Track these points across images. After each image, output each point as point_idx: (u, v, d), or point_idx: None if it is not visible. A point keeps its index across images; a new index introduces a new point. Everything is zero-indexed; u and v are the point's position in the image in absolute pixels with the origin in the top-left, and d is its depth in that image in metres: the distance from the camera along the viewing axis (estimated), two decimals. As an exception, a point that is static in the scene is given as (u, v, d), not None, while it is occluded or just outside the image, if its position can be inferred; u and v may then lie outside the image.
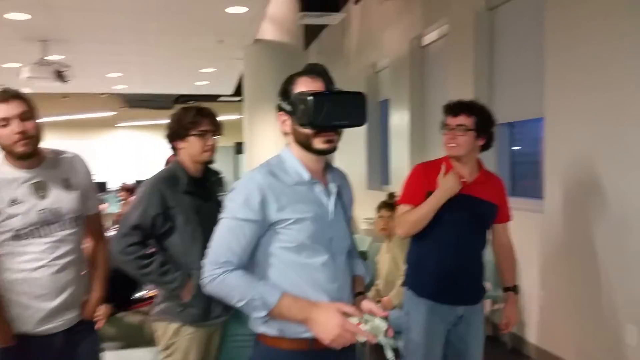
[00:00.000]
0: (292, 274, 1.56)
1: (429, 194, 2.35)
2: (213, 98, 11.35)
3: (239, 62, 7.31)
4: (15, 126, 1.90)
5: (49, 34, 6.01)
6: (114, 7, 5.24)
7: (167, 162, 4.77)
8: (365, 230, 6.71)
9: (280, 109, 1.62)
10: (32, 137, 1.95)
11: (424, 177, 2.42)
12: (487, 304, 4.55)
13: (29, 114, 1.94)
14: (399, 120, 6.37)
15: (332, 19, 5.92)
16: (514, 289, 2.53)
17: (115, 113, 14.69)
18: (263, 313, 1.50)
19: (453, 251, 2.36)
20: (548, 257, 3.88)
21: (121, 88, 10.47)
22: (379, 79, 7.45)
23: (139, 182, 7.37)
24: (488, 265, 4.35)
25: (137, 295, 3.49)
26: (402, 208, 2.47)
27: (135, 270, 2.21)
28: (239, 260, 1.54)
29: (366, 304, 1.62)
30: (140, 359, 3.04)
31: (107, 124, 15.12)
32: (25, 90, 2.18)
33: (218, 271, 1.52)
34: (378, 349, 1.64)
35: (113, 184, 12.19)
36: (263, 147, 6.53)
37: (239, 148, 13.49)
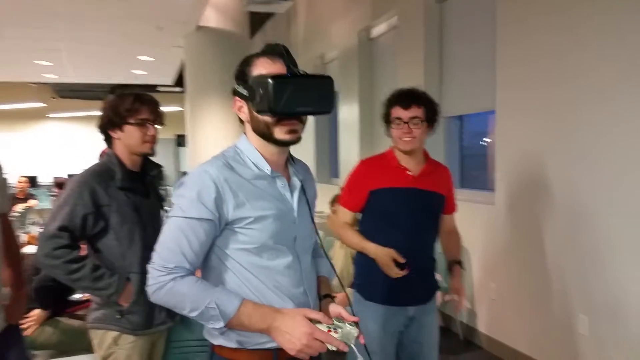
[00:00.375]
0: (252, 279, 1.39)
1: (372, 193, 2.26)
2: (151, 88, 10.87)
3: (179, 50, 7.00)
4: None
5: (-30, 16, 5.51)
6: (43, -12, 4.85)
7: (102, 155, 4.49)
8: (316, 224, 6.57)
9: (235, 93, 1.44)
10: None
11: (365, 176, 2.32)
12: (438, 296, 4.54)
13: None
14: (348, 112, 6.27)
15: (278, 6, 5.73)
16: (459, 263, 2.44)
17: (45, 105, 13.88)
18: (220, 324, 1.32)
19: (404, 251, 2.21)
20: (499, 248, 3.88)
21: (52, 77, 9.85)
22: (327, 71, 7.32)
23: (71, 177, 6.93)
24: (441, 257, 4.35)
25: (75, 297, 3.21)
26: (340, 210, 2.40)
27: (64, 275, 1.95)
28: (191, 265, 1.36)
29: (334, 308, 1.48)
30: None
31: (37, 116, 14.31)
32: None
33: (166, 278, 1.33)
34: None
35: (44, 179, 11.54)
36: (207, 139, 6.29)
37: (180, 140, 13.08)
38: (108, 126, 2.12)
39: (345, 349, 1.34)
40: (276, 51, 1.43)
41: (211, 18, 6.23)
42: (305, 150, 7.40)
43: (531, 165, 3.54)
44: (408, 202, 2.25)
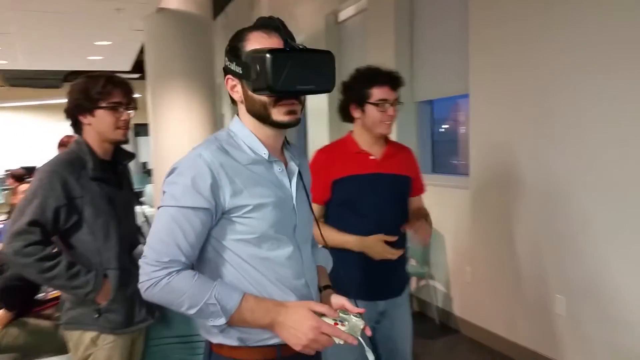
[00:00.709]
0: (252, 271, 1.30)
1: (335, 183, 2.11)
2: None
3: (138, 33, 6.70)
4: None
5: None
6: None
7: (61, 145, 4.25)
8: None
9: (227, 71, 1.33)
10: None
11: (325, 166, 2.13)
12: (413, 281, 4.55)
13: None
14: (317, 98, 6.15)
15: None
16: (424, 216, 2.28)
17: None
18: (222, 321, 1.23)
19: None
20: (474, 232, 3.88)
21: (1, 63, 9.32)
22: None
23: (27, 169, 6.57)
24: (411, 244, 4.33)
25: (39, 295, 3.02)
26: None
27: (37, 274, 1.81)
28: (187, 259, 1.25)
29: (336, 300, 1.40)
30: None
31: (-16, 105, 13.57)
32: None
33: (161, 273, 1.22)
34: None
35: (-6, 171, 11.02)
36: (171, 127, 6.06)
37: (138, 130, 12.67)
38: (77, 111, 1.96)
39: (355, 342, 1.27)
40: (271, 25, 1.32)
41: None
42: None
43: (505, 149, 3.54)
44: (374, 188, 2.12)
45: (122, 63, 9.16)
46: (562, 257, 3.15)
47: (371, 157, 2.13)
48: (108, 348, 1.93)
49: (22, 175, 5.92)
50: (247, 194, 1.27)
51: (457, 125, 4.73)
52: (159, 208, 1.28)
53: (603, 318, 2.91)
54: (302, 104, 1.34)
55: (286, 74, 1.20)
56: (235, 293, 1.24)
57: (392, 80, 2.13)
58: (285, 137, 1.43)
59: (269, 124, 1.31)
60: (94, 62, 9.00)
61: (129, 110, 2.01)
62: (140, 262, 1.25)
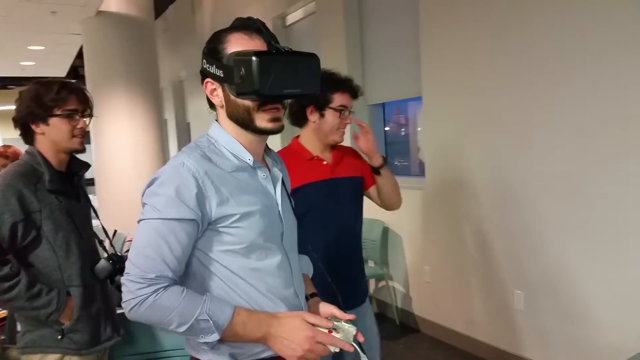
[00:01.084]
0: (242, 283, 1.24)
1: (294, 192, 1.97)
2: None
3: (76, 37, 6.42)
4: None
5: None
6: None
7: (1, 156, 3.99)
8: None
9: (206, 74, 1.27)
10: None
11: None
12: (371, 283, 4.57)
13: None
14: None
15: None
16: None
17: None
18: (214, 337, 1.16)
19: (336, 249, 2.04)
20: (432, 232, 3.94)
21: None
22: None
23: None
24: (374, 244, 4.35)
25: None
26: None
27: None
28: (174, 274, 1.18)
29: (325, 308, 1.36)
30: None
31: None
32: None
33: (148, 290, 1.14)
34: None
35: None
36: (113, 134, 5.82)
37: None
38: (29, 119, 1.84)
39: (351, 349, 1.24)
40: (252, 26, 1.27)
41: (112, 1, 5.76)
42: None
43: (459, 150, 3.61)
44: (333, 194, 2.08)
45: (56, 69, 8.75)
46: (519, 254, 3.24)
47: (324, 163, 2.09)
48: (72, 371, 1.81)
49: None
50: (233, 203, 1.22)
51: (410, 127, 4.80)
52: (139, 221, 1.21)
53: (561, 311, 3.01)
54: (285, 109, 1.30)
55: (273, 78, 1.16)
56: (227, 307, 1.18)
57: (353, 88, 2.11)
58: (267, 143, 1.38)
59: (251, 130, 1.26)
60: (26, 67, 8.55)
61: (85, 117, 1.90)
62: (124, 279, 1.17)
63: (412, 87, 4.06)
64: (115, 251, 2.01)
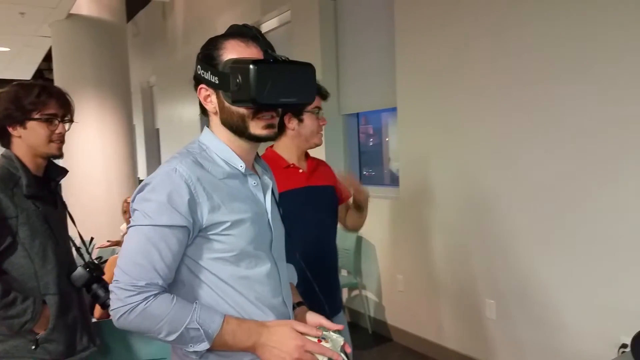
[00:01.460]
0: (231, 292, 1.23)
1: None
2: (4, 84, 9.66)
3: (44, 40, 6.28)
4: None
5: None
6: None
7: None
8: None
9: (200, 80, 1.26)
10: None
11: None
12: (344, 292, 4.57)
13: None
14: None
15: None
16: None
17: None
18: (204, 345, 1.14)
19: (313, 260, 1.92)
20: (405, 242, 3.98)
21: None
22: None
23: None
24: (347, 253, 4.35)
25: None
26: None
27: None
28: (164, 281, 1.16)
29: (313, 318, 1.36)
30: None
31: None
32: None
33: (138, 298, 1.12)
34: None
35: None
36: (82, 139, 5.69)
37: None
38: (6, 122, 1.80)
39: (340, 359, 1.23)
40: (248, 33, 1.27)
41: (83, 5, 5.66)
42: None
43: (432, 159, 3.67)
44: (310, 201, 2.07)
45: (22, 71, 8.54)
46: (491, 263, 3.30)
47: (300, 171, 2.09)
48: (46, 383, 1.75)
49: None
50: (225, 210, 1.21)
51: (383, 137, 4.85)
52: (129, 228, 1.18)
53: (532, 320, 3.08)
54: (279, 116, 1.30)
55: (269, 86, 1.16)
56: (217, 315, 1.17)
57: (322, 89, 2.09)
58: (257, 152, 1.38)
59: (245, 137, 1.26)
60: (-10, 69, 8.31)
61: (65, 122, 1.86)
62: (112, 287, 1.14)
63: (387, 98, 4.11)
64: (92, 258, 1.96)
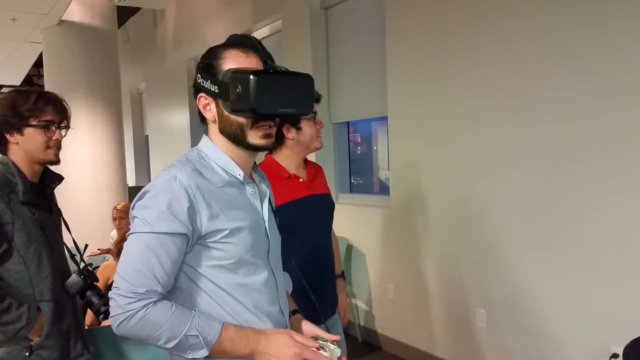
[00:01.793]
0: (229, 299, 1.24)
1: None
2: (-7, 89, 9.61)
3: (34, 46, 6.26)
4: None
5: None
6: None
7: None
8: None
9: (200, 89, 1.28)
10: None
11: None
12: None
13: None
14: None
15: (155, 2, 5.37)
16: (342, 275, 2.37)
17: None
18: (203, 353, 1.16)
19: (314, 269, 2.02)
20: (395, 250, 4.00)
21: None
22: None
23: None
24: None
25: None
26: None
27: None
28: (164, 288, 1.17)
29: (309, 328, 1.38)
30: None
31: None
32: None
33: (137, 305, 1.13)
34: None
35: None
36: (71, 145, 5.65)
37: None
38: (3, 128, 1.81)
39: (336, 369, 1.25)
40: (248, 44, 1.30)
41: (74, 11, 5.65)
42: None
43: (423, 168, 3.71)
44: (311, 211, 2.09)
45: (11, 76, 8.48)
46: (481, 272, 3.33)
47: (301, 180, 2.10)
48: (40, 390, 1.75)
49: None
50: (223, 218, 1.23)
51: (373, 146, 4.89)
52: (128, 235, 1.20)
53: (522, 329, 3.11)
54: (277, 126, 1.33)
55: (269, 97, 1.19)
56: (215, 322, 1.18)
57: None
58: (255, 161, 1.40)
59: (243, 146, 1.28)
60: (-22, 74, 8.25)
61: (62, 129, 1.88)
62: (112, 294, 1.15)
63: (378, 106, 4.15)
64: (86, 266, 1.96)
